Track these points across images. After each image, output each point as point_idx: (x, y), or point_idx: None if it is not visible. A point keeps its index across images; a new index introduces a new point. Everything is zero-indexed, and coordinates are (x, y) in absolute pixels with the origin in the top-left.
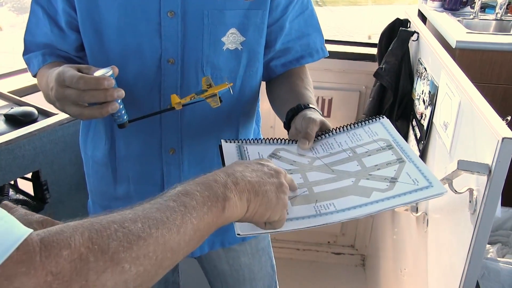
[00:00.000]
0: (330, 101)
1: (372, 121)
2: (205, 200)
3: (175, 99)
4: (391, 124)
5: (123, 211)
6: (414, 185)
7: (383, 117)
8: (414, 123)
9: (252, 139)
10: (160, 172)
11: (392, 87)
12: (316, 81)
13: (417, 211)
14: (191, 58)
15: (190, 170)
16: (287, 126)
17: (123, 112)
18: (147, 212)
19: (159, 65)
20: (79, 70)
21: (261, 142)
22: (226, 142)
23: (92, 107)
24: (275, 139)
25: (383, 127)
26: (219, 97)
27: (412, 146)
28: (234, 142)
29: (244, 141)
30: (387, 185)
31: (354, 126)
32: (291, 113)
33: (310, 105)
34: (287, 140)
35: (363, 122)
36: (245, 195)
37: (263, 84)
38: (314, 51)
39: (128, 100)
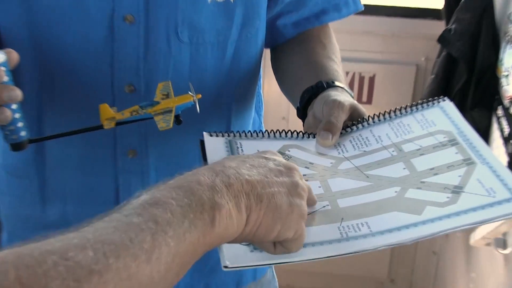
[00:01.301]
0: (371, 79)
1: (428, 105)
2: (185, 211)
3: (106, 112)
4: (455, 109)
5: (64, 235)
6: (488, 197)
7: (444, 100)
8: (499, 112)
9: (250, 131)
10: (114, 184)
11: (466, 59)
12: (350, 49)
13: (505, 246)
14: (159, 15)
15: (160, 181)
16: (301, 113)
17: (19, 124)
18: (100, 234)
19: (111, 25)
20: None
21: (263, 135)
22: (211, 135)
23: None
24: (284, 132)
25: (444, 113)
26: (177, 116)
27: (497, 147)
28: (223, 135)
29: (238, 134)
30: (448, 197)
31: (401, 113)
32: (308, 95)
33: (336, 83)
34: (301, 134)
35: (415, 107)
36: (243, 200)
37: (267, 53)
38: (341, 2)
39: (67, 82)
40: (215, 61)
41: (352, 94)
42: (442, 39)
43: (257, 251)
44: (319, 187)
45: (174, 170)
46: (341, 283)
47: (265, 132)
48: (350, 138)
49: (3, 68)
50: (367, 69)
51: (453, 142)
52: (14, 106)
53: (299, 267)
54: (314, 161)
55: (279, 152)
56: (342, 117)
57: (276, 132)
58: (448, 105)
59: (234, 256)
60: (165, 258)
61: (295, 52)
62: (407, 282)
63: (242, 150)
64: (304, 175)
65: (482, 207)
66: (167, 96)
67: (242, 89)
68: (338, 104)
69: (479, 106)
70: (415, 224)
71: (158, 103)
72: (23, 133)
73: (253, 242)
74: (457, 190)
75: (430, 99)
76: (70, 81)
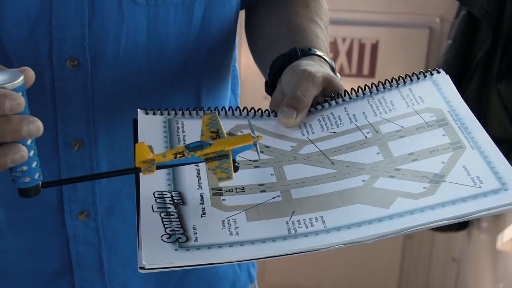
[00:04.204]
0: (374, 47)
1: (418, 78)
2: None
3: (143, 152)
4: (451, 82)
5: None
6: (472, 188)
7: (438, 71)
8: None
9: (195, 108)
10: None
11: (490, 19)
12: (347, 9)
13: None
14: None
15: (112, 177)
16: (269, 86)
17: (33, 164)
18: None
19: None
20: None
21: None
22: (147, 113)
23: None
24: (238, 110)
25: (436, 88)
26: (235, 162)
27: None
28: (162, 113)
29: (181, 111)
30: (424, 188)
31: (384, 88)
32: (279, 65)
33: (314, 50)
34: (260, 111)
35: (402, 81)
36: None
37: (242, 17)
38: None
39: None
40: (179, 27)
41: (333, 66)
42: None
43: (183, 249)
44: (272, 174)
45: (129, 164)
46: None
47: (214, 109)
48: (319, 117)
49: (21, 92)
50: (368, 34)
51: (441, 123)
52: (29, 142)
53: (292, 281)
54: (271, 144)
55: (229, 133)
56: (312, 92)
57: (229, 110)
58: (442, 78)
59: (153, 255)
60: None
61: (270, 11)
62: None
63: (183, 130)
64: (255, 160)
65: (463, 199)
66: (217, 134)
67: (214, 62)
68: (308, 75)
69: (507, 77)
70: (379, 219)
71: (209, 144)
72: (37, 175)
73: None
74: (436, 179)
75: (420, 72)
76: None
